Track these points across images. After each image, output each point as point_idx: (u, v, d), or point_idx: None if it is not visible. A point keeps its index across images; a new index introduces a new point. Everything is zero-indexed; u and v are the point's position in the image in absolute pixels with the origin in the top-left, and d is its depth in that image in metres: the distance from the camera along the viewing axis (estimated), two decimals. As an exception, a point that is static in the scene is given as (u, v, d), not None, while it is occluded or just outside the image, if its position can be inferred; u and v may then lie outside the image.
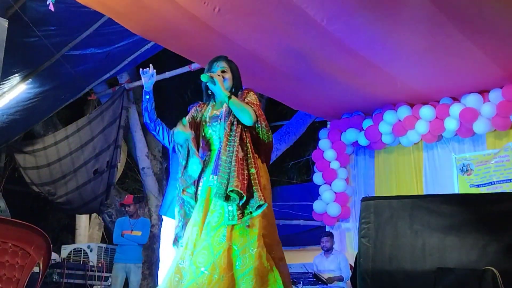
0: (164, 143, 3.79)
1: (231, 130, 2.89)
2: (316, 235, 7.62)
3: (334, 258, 6.62)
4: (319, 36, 4.81)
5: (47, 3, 4.26)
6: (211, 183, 2.89)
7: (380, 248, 2.77)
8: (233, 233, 2.74)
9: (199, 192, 2.96)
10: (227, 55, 3.18)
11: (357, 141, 7.07)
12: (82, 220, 10.10)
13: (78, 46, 5.84)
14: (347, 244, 7.14)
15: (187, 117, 3.10)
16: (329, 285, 6.20)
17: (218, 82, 2.95)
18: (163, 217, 4.09)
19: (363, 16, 4.53)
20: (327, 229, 7.18)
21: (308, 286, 6.22)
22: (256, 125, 2.94)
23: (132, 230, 6.67)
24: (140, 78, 7.74)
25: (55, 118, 8.69)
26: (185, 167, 3.01)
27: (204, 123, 3.06)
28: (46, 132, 8.51)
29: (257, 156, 2.92)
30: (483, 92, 6.08)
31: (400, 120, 6.57)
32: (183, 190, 3.00)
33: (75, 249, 7.30)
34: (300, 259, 7.10)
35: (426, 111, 6.36)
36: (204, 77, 2.99)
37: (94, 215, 9.74)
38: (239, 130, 2.89)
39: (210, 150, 3.02)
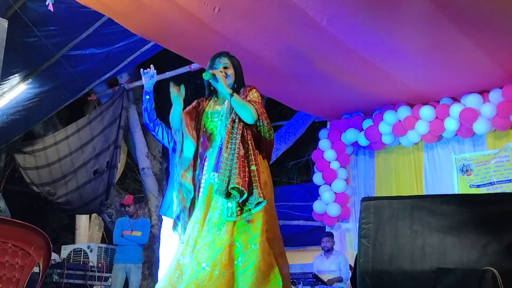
0: (163, 143, 3.79)
1: (232, 127, 2.90)
2: (316, 236, 7.62)
3: (335, 258, 6.62)
4: (319, 36, 4.81)
5: (47, 3, 4.27)
6: (212, 180, 2.91)
7: (380, 248, 2.77)
8: (235, 230, 2.75)
9: (201, 189, 2.96)
10: (227, 53, 3.18)
11: (357, 141, 7.07)
12: (82, 220, 10.10)
13: (78, 46, 5.84)
14: (347, 244, 7.14)
15: (189, 106, 3.11)
16: (329, 286, 6.20)
17: (221, 79, 2.95)
18: (163, 217, 4.08)
19: (363, 16, 4.53)
20: (327, 229, 7.18)
21: (308, 287, 6.22)
22: (258, 123, 2.94)
23: (132, 230, 6.67)
24: (140, 78, 7.77)
25: (55, 118, 8.69)
26: (181, 151, 3.03)
27: (206, 118, 3.07)
28: (46, 132, 8.51)
29: (257, 152, 2.94)
30: (483, 92, 6.08)
31: (400, 120, 6.57)
32: (181, 175, 3.00)
33: (75, 249, 7.30)
34: (300, 259, 7.11)
35: (426, 111, 6.35)
36: (206, 75, 2.99)
37: (94, 215, 9.74)
38: (241, 127, 2.90)
39: (210, 146, 3.03)
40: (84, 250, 7.14)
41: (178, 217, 3.04)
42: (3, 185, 8.46)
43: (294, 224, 8.93)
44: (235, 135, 2.87)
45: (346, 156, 7.32)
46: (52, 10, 4.27)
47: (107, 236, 9.49)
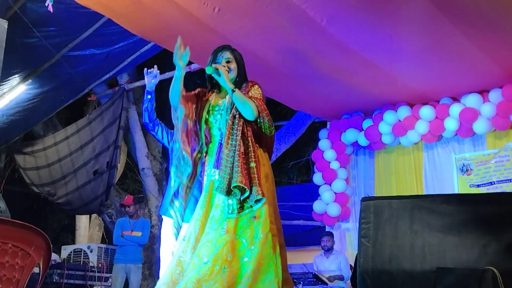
0: (163, 143, 3.79)
1: (233, 123, 2.90)
2: (316, 235, 7.62)
3: (335, 258, 6.62)
4: (319, 36, 4.81)
5: (46, 4, 4.27)
6: (213, 177, 2.92)
7: (380, 248, 2.77)
8: (239, 226, 2.76)
9: (203, 186, 2.98)
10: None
11: (357, 141, 7.06)
12: (82, 221, 10.10)
13: (77, 47, 5.84)
14: (347, 244, 7.14)
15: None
16: (329, 284, 6.20)
17: (223, 74, 2.95)
18: (163, 217, 4.08)
19: (363, 16, 4.53)
20: (327, 229, 7.19)
21: (308, 287, 6.22)
22: (258, 120, 2.94)
23: (132, 231, 6.67)
24: (139, 79, 7.82)
25: (55, 118, 8.69)
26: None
27: (208, 110, 3.07)
28: (46, 132, 8.51)
29: (257, 146, 2.94)
30: (483, 92, 6.08)
31: (400, 120, 6.57)
32: (182, 147, 3.00)
33: (75, 249, 7.30)
34: (300, 259, 7.10)
35: (426, 111, 6.36)
36: (209, 70, 2.99)
37: (94, 215, 9.74)
38: (241, 123, 2.90)
39: (210, 142, 3.03)
40: (84, 251, 7.14)
41: (175, 195, 3.05)
42: (3, 186, 8.46)
43: (294, 224, 8.93)
44: (235, 131, 2.88)
45: (346, 156, 7.32)
46: (51, 11, 4.27)
47: (107, 237, 9.49)
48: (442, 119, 6.31)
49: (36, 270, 2.69)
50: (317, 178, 7.41)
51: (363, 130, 6.93)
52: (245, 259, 2.71)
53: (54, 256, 6.51)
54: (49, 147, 8.08)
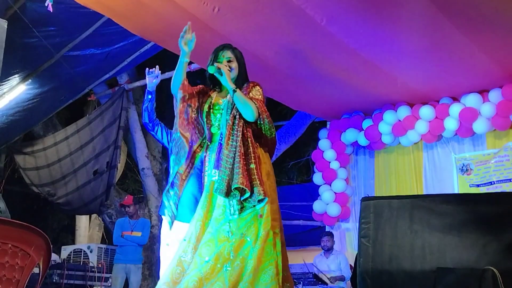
0: (163, 143, 3.79)
1: (233, 123, 2.91)
2: (316, 235, 7.62)
3: (335, 258, 6.62)
4: (319, 36, 4.81)
5: (46, 4, 4.26)
6: (213, 177, 2.92)
7: (380, 248, 2.77)
8: (244, 225, 2.77)
9: (204, 187, 2.98)
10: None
11: (357, 141, 7.06)
12: (82, 221, 10.10)
13: (77, 47, 5.84)
14: (347, 244, 7.14)
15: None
16: (330, 285, 6.20)
17: (226, 74, 2.95)
18: (163, 217, 4.08)
19: (363, 16, 4.53)
20: (327, 229, 7.19)
21: (308, 287, 6.21)
22: (258, 121, 2.94)
23: (132, 231, 6.67)
24: (139, 79, 7.81)
25: (54, 119, 8.69)
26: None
27: (209, 106, 3.07)
28: (46, 133, 8.51)
29: (257, 145, 2.94)
30: (483, 92, 6.08)
31: (400, 120, 6.57)
32: (181, 133, 3.03)
33: (75, 249, 7.30)
34: (300, 259, 7.09)
35: (426, 111, 6.35)
36: (211, 69, 2.99)
37: (94, 215, 9.74)
38: (241, 124, 2.90)
39: (211, 141, 3.03)
40: (84, 251, 7.14)
41: (172, 184, 3.06)
42: (3, 186, 8.46)
43: (294, 224, 8.92)
44: (236, 132, 2.88)
45: (346, 156, 7.32)
46: (51, 11, 4.27)
47: (107, 237, 9.49)
48: (442, 119, 6.31)
49: (36, 270, 2.69)
50: (317, 178, 7.41)
51: (363, 130, 6.93)
52: (249, 258, 2.71)
53: (54, 256, 6.51)
54: (49, 147, 8.08)
